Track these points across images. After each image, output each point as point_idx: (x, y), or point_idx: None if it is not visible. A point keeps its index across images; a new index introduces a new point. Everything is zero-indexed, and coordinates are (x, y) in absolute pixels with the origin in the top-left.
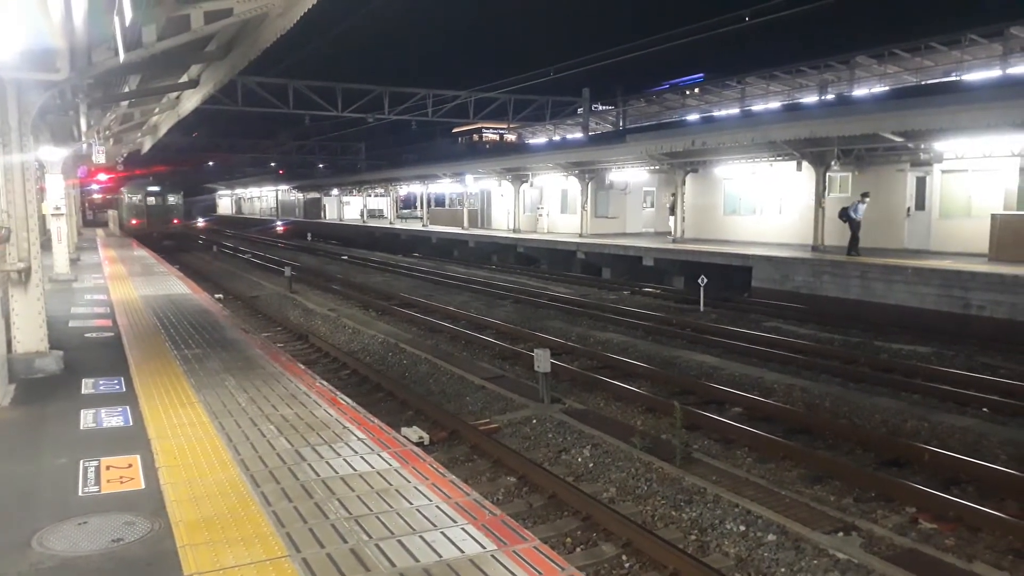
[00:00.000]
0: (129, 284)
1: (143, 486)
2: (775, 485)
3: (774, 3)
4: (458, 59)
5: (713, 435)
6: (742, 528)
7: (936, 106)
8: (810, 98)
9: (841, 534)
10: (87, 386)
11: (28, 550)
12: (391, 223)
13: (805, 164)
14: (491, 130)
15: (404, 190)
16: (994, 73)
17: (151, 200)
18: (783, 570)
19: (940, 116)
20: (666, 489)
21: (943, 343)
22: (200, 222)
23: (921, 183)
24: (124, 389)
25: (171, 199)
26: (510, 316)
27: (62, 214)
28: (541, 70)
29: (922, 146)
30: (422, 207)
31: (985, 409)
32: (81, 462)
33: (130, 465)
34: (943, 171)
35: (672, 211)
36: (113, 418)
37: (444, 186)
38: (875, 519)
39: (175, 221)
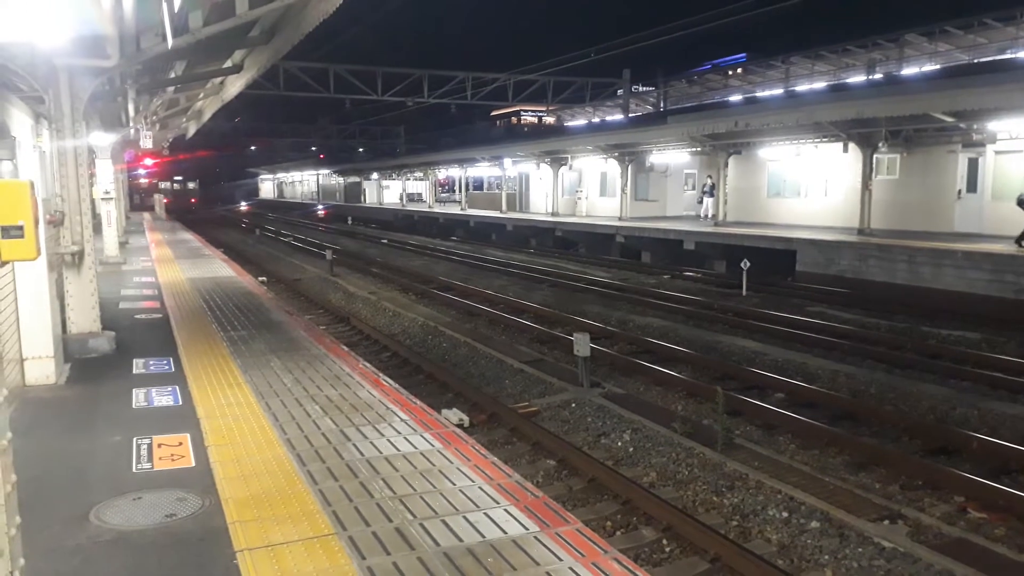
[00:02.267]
0: (176, 267)
1: (193, 464)
2: (819, 472)
3: None
4: (497, 41)
5: (755, 421)
6: (785, 515)
7: (990, 85)
8: (857, 78)
9: (887, 522)
10: (138, 366)
11: (86, 523)
12: (430, 207)
13: (852, 145)
14: (529, 113)
15: (443, 174)
16: None
17: (176, 186)
18: (827, 557)
19: (994, 95)
20: (707, 474)
21: (994, 329)
22: (243, 206)
23: (973, 164)
24: (173, 369)
25: (190, 185)
26: (548, 300)
27: (111, 198)
28: (581, 51)
29: (974, 126)
30: (460, 191)
31: None
32: (134, 439)
33: (180, 443)
34: (996, 152)
35: (704, 193)
36: (163, 397)
37: (482, 170)
38: (922, 507)
39: (192, 200)
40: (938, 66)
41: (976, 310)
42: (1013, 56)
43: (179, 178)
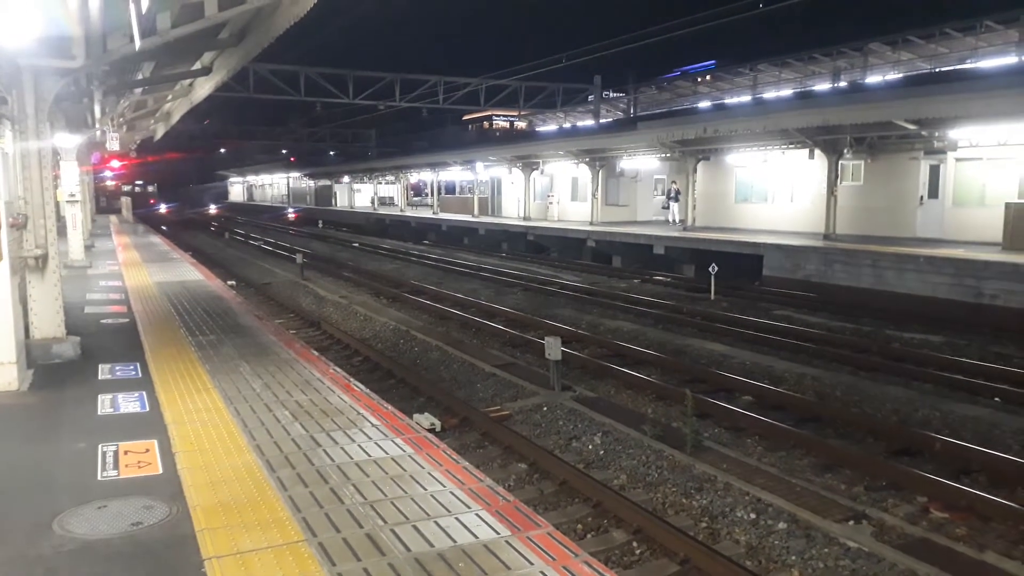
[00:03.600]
0: (143, 271)
1: (161, 471)
2: (786, 473)
3: None
4: (469, 46)
5: (724, 423)
6: (752, 516)
7: (950, 93)
8: (823, 85)
9: (852, 523)
10: (104, 372)
11: (50, 533)
12: (401, 210)
13: (817, 152)
14: (502, 117)
15: (415, 177)
16: (1010, 60)
17: (137, 189)
18: (794, 558)
19: (954, 104)
20: (677, 477)
21: (955, 332)
22: (212, 209)
23: (934, 171)
24: (140, 375)
25: (149, 188)
26: (520, 304)
27: (77, 201)
28: (552, 57)
29: (936, 134)
30: (432, 195)
31: (997, 399)
32: (99, 447)
33: (147, 450)
34: (957, 159)
35: (670, 199)
36: (130, 403)
37: (454, 173)
38: (886, 508)
39: (151, 201)
40: (901, 75)
41: (938, 313)
42: (973, 66)
43: (140, 182)
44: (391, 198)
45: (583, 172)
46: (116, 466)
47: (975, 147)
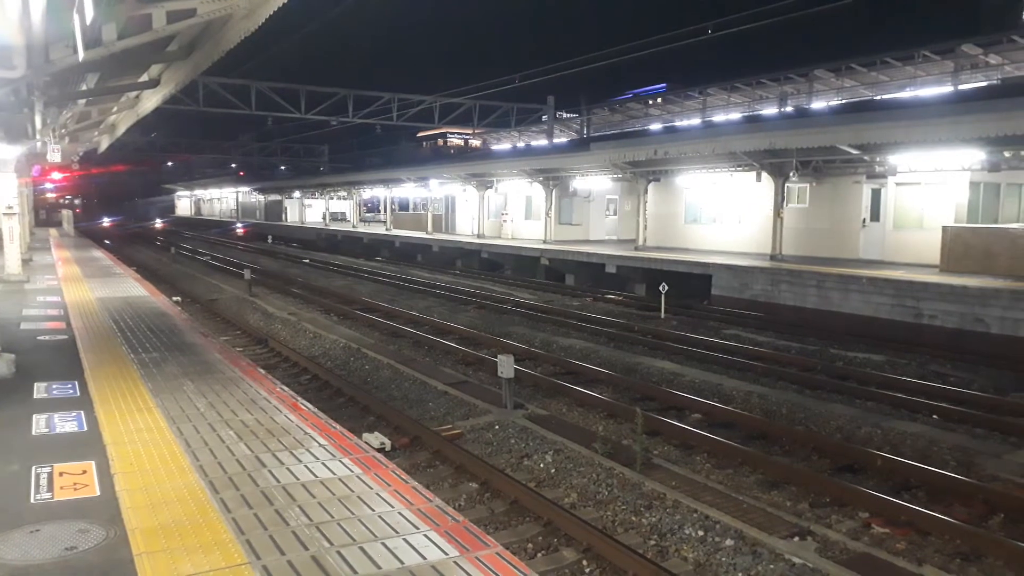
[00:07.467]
0: (84, 286)
1: (98, 493)
2: (733, 490)
3: (736, 17)
4: (424, 64)
5: (673, 441)
6: (700, 533)
7: (891, 120)
8: (770, 109)
9: (797, 539)
10: (40, 390)
11: None
12: (354, 226)
13: (764, 175)
14: (456, 135)
15: (367, 193)
16: (946, 89)
17: (65, 201)
18: (740, 575)
19: (894, 130)
20: (626, 494)
21: (896, 351)
22: (158, 223)
23: (876, 195)
24: (79, 394)
25: (76, 201)
26: (474, 322)
27: (14, 213)
28: (507, 77)
29: (877, 159)
30: (386, 211)
31: (935, 416)
32: (33, 468)
33: (84, 471)
34: (897, 184)
35: None
36: (67, 423)
37: (408, 190)
38: (830, 524)
39: (77, 211)
40: (844, 100)
41: (880, 333)
42: (912, 95)
43: (69, 196)
44: (343, 214)
45: (537, 191)
46: (50, 488)
47: (914, 172)
